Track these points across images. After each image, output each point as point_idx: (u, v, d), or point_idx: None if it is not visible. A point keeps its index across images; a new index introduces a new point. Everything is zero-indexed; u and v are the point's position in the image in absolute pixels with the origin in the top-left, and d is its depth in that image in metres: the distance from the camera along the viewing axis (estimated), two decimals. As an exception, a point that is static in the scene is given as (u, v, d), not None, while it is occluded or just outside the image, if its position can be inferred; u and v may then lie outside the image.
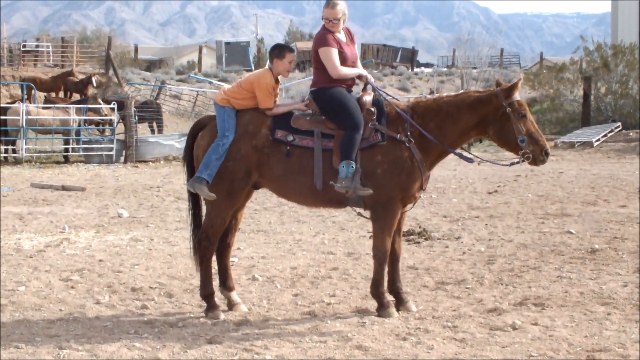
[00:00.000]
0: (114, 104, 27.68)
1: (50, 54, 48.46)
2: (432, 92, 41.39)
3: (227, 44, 62.82)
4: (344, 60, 7.34)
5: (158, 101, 35.84)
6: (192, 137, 7.61)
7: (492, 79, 42.04)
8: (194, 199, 7.64)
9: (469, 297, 8.01)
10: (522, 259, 9.84)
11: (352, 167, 7.04)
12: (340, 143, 7.13)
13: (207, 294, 7.47)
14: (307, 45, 54.24)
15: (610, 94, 35.41)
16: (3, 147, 26.10)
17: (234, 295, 7.70)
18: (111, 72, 42.49)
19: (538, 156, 7.21)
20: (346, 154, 7.06)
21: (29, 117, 25.77)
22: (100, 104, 27.21)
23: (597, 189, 16.97)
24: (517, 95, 7.24)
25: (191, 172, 7.55)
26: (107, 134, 28.16)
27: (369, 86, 7.48)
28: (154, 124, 31.74)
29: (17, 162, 25.67)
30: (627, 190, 16.55)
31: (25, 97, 30.49)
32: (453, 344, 6.44)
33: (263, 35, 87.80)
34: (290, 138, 7.25)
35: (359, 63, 7.60)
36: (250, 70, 45.98)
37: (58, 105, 28.34)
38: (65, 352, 6.25)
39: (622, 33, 45.07)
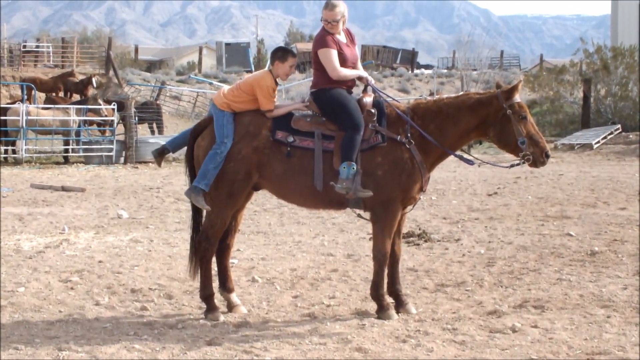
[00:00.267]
0: (114, 105, 27.67)
1: (51, 54, 48.52)
2: (431, 94, 41.40)
3: (227, 44, 62.90)
4: (343, 62, 7.34)
5: (158, 102, 35.84)
6: (193, 139, 7.59)
7: (492, 81, 42.04)
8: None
9: (469, 299, 8.01)
10: (522, 261, 9.84)
11: (354, 168, 7.04)
12: (341, 144, 7.13)
13: (206, 295, 7.46)
14: (308, 46, 54.26)
15: (610, 96, 35.42)
16: (3, 148, 26.07)
17: (234, 296, 7.70)
18: (111, 72, 42.52)
19: (538, 158, 7.22)
20: (347, 155, 7.06)
21: (29, 117, 25.76)
22: (100, 105, 27.20)
23: (597, 191, 16.97)
24: (518, 97, 7.24)
25: (192, 174, 7.54)
26: (107, 134, 28.16)
27: (369, 88, 7.48)
28: (154, 125, 31.74)
29: (17, 162, 25.65)
30: (627, 193, 16.54)
31: (25, 97, 30.49)
32: (453, 347, 6.43)
33: (263, 36, 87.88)
34: (290, 139, 7.25)
35: (359, 64, 7.61)
36: (251, 71, 45.98)
37: (58, 105, 28.35)
38: (64, 354, 6.25)
39: (622, 35, 45.07)
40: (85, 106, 27.34)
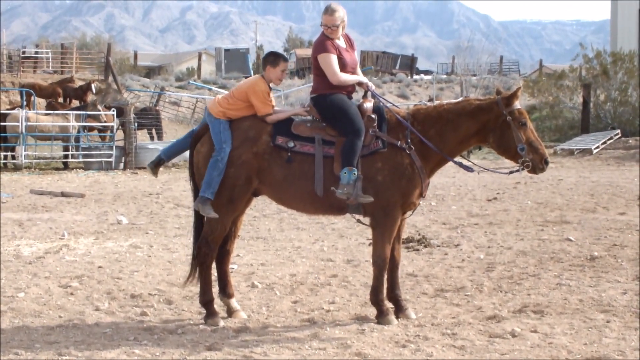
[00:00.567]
0: (113, 111, 27.71)
1: (50, 60, 48.58)
2: (431, 100, 41.45)
3: (226, 50, 62.99)
4: (343, 67, 7.35)
5: (157, 108, 35.91)
6: (193, 145, 7.59)
7: (491, 86, 42.13)
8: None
9: (468, 304, 8.01)
10: (522, 266, 9.84)
11: (354, 173, 7.04)
12: (342, 150, 7.14)
13: (206, 300, 7.47)
14: (307, 52, 54.36)
15: (609, 101, 35.47)
16: (2, 154, 26.09)
17: (234, 302, 7.70)
18: (110, 78, 42.57)
19: (537, 165, 7.23)
20: (347, 160, 7.07)
21: (29, 123, 25.79)
22: (99, 111, 27.23)
23: (597, 196, 16.98)
24: (518, 104, 7.26)
25: (194, 178, 7.54)
26: (106, 140, 28.17)
27: (369, 93, 7.49)
28: (154, 131, 31.79)
29: (17, 168, 25.67)
30: (627, 198, 16.55)
31: (25, 103, 30.51)
32: (452, 352, 6.44)
33: (262, 42, 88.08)
34: (291, 144, 7.26)
35: (358, 69, 7.62)
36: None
37: (57, 111, 28.38)
38: (64, 359, 6.25)
39: (622, 40, 45.12)
40: (84, 112, 27.37)
